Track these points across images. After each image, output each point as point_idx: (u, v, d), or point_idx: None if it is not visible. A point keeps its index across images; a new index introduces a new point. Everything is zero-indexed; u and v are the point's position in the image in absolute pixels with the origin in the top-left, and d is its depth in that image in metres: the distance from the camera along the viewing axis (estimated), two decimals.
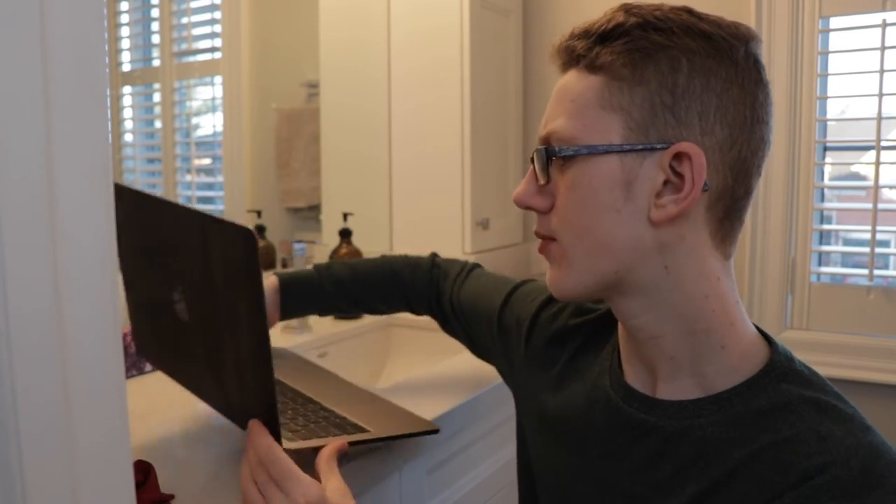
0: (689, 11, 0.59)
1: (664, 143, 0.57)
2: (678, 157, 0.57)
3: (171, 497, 0.76)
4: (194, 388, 0.87)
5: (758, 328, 0.64)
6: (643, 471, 0.63)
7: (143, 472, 0.76)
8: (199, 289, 0.72)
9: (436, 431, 0.88)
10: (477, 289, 1.00)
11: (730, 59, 0.58)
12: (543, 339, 0.81)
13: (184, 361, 0.85)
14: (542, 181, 0.62)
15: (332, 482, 0.68)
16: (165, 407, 1.08)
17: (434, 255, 1.14)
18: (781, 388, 0.58)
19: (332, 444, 0.73)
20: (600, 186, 0.59)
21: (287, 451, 0.68)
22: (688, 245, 0.59)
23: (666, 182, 0.58)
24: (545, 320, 0.83)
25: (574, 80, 0.61)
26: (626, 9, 0.60)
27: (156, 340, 0.89)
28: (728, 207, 0.59)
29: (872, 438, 0.55)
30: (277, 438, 0.68)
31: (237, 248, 0.63)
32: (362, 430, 0.82)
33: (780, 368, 0.60)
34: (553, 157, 0.60)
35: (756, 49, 0.60)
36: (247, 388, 0.71)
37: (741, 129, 0.58)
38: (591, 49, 0.59)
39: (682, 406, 0.61)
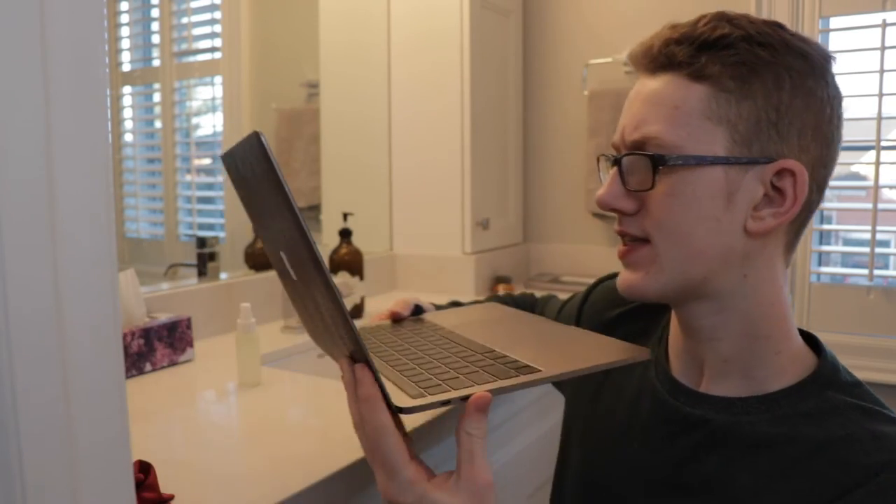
0: (781, 27, 0.61)
1: (767, 157, 0.59)
2: (780, 172, 0.59)
3: (171, 497, 0.76)
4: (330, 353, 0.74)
5: (809, 333, 0.68)
6: (689, 462, 0.64)
7: (144, 472, 0.75)
8: (285, 240, 0.64)
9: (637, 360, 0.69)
10: (554, 310, 1.02)
11: (823, 79, 0.60)
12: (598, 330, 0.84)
13: (312, 324, 0.73)
14: (644, 186, 0.61)
15: (466, 471, 0.56)
16: (165, 407, 1.08)
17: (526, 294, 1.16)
18: (827, 395, 0.61)
19: (468, 411, 0.58)
20: (704, 195, 0.59)
21: (409, 409, 0.58)
22: (767, 255, 0.62)
23: (764, 195, 0.60)
24: (596, 314, 0.87)
25: (674, 87, 0.60)
26: (727, 19, 0.60)
27: (300, 308, 0.75)
28: (804, 220, 0.64)
29: None
30: (383, 393, 0.59)
31: (256, 153, 0.58)
32: (531, 370, 0.65)
33: (827, 376, 0.63)
34: (661, 165, 0.59)
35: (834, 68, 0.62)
36: (346, 344, 0.63)
37: (829, 147, 0.61)
38: (696, 57, 0.59)
39: (730, 402, 0.64)
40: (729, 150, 0.59)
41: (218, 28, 1.78)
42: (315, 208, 1.98)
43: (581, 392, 0.84)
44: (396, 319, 0.90)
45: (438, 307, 1.00)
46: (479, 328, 0.83)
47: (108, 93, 0.48)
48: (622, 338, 0.76)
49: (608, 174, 0.65)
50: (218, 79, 1.80)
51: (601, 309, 0.87)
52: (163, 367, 1.28)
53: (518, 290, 2.17)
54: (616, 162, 0.63)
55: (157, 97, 1.80)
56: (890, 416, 0.59)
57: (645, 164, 0.60)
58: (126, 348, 1.20)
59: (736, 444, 0.62)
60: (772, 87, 0.58)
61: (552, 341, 0.78)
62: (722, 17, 0.60)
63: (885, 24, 1.66)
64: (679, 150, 0.59)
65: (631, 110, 0.63)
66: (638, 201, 0.62)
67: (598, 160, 0.70)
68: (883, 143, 1.68)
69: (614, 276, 0.85)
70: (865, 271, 1.72)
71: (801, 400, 0.61)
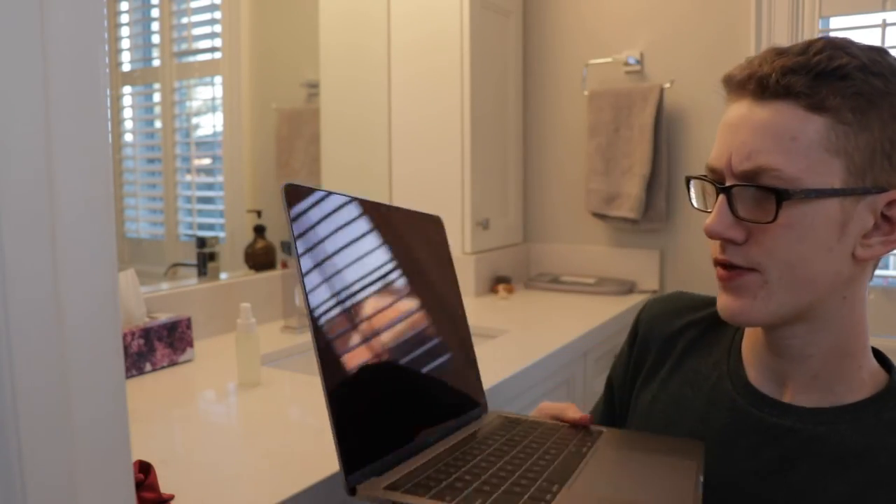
0: (886, 52, 0.61)
1: (879, 188, 0.60)
2: (892, 203, 0.61)
3: (171, 497, 0.76)
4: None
5: (877, 349, 0.71)
6: (775, 474, 0.65)
7: (144, 472, 0.75)
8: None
9: None
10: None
11: None
12: (656, 346, 0.83)
13: None
14: (765, 219, 0.60)
15: None
16: (165, 407, 1.08)
17: None
18: None
19: None
20: (820, 226, 0.60)
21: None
22: (863, 278, 0.65)
23: (874, 224, 0.61)
24: (654, 326, 0.85)
25: (790, 117, 0.59)
26: (840, 47, 0.59)
27: None
28: None
29: None
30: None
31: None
32: None
33: None
34: (786, 199, 0.59)
35: None
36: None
37: None
38: (815, 88, 0.58)
39: (817, 412, 0.65)
40: (845, 182, 0.59)
41: (218, 28, 1.78)
42: None
43: (640, 407, 0.81)
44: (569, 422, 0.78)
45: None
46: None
47: (108, 93, 0.48)
48: (685, 347, 0.77)
49: (714, 202, 0.63)
50: (218, 79, 1.80)
51: (661, 325, 0.83)
52: (163, 367, 1.28)
53: (518, 290, 2.17)
54: (725, 190, 0.62)
55: (157, 97, 1.81)
56: None
57: (764, 196, 0.60)
58: (126, 348, 1.20)
59: (826, 454, 0.63)
60: (888, 118, 0.59)
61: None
62: (835, 46, 0.60)
63: (885, 24, 1.66)
64: (798, 182, 0.59)
65: (738, 137, 0.61)
66: (746, 231, 0.62)
67: (687, 181, 0.68)
68: None
69: (657, 298, 0.86)
70: None
71: (884, 407, 0.63)
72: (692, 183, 0.68)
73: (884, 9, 1.68)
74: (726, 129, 0.63)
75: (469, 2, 1.95)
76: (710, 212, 0.64)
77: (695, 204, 0.68)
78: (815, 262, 0.61)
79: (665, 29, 2.04)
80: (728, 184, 0.62)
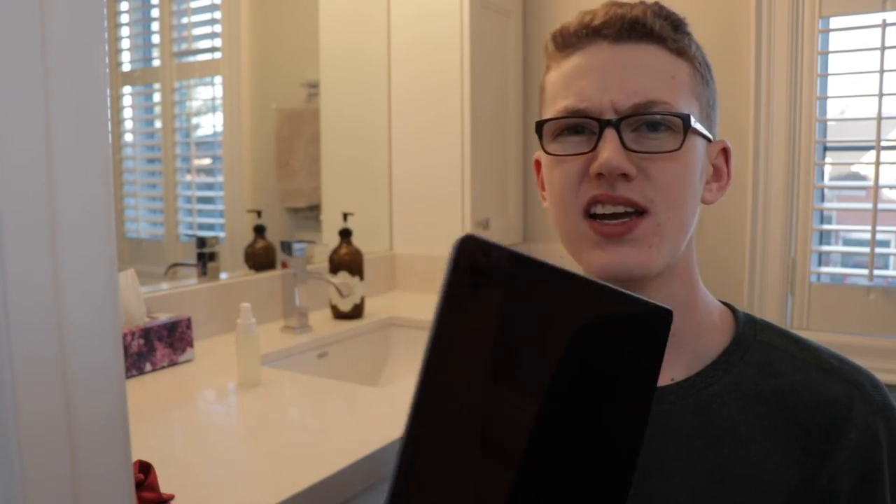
0: None
1: (714, 137, 0.64)
2: (724, 150, 0.65)
3: (171, 497, 0.76)
4: None
5: None
6: (696, 463, 0.60)
7: (143, 472, 0.76)
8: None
9: None
10: None
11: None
12: None
13: None
14: (671, 148, 0.58)
15: None
16: (165, 407, 1.08)
17: None
18: (762, 339, 0.64)
19: None
20: (697, 163, 0.61)
21: None
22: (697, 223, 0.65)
23: (711, 171, 0.65)
24: None
25: (663, 58, 0.61)
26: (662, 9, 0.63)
27: None
28: None
29: (838, 355, 0.64)
30: None
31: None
32: None
33: (751, 322, 0.66)
34: (689, 127, 0.58)
35: None
36: None
37: None
38: (677, 35, 0.61)
39: (690, 384, 0.63)
40: (701, 126, 0.62)
41: (218, 28, 1.78)
42: (315, 208, 1.98)
43: None
44: None
45: None
46: None
47: (108, 93, 0.48)
48: None
49: (590, 141, 0.59)
50: (218, 79, 1.80)
51: None
52: (163, 367, 1.28)
53: None
54: (615, 125, 0.58)
55: (157, 97, 1.81)
56: (811, 342, 0.65)
57: (664, 127, 0.59)
58: (126, 348, 1.20)
59: (713, 421, 0.60)
60: (711, 76, 0.64)
61: None
62: (659, 6, 0.63)
63: (884, 24, 1.66)
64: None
65: (614, 76, 0.59)
66: (636, 167, 0.59)
67: (539, 126, 0.62)
68: (883, 143, 1.68)
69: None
70: (865, 271, 1.72)
71: (747, 352, 0.63)
72: (545, 129, 0.62)
73: (884, 9, 1.68)
74: (587, 72, 0.60)
75: (469, 2, 1.95)
76: (571, 155, 0.60)
77: (552, 150, 0.62)
78: (690, 202, 0.61)
79: None
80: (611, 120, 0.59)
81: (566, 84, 0.61)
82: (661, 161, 0.59)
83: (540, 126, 0.62)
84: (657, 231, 0.60)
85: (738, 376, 0.62)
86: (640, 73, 0.60)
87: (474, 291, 0.34)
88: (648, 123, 0.59)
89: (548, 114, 0.63)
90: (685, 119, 0.58)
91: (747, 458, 0.59)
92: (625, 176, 0.58)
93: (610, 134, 0.59)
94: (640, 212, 0.59)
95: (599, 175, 0.58)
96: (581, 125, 0.60)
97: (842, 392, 0.59)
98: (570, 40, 0.63)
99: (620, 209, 0.59)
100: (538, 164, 0.68)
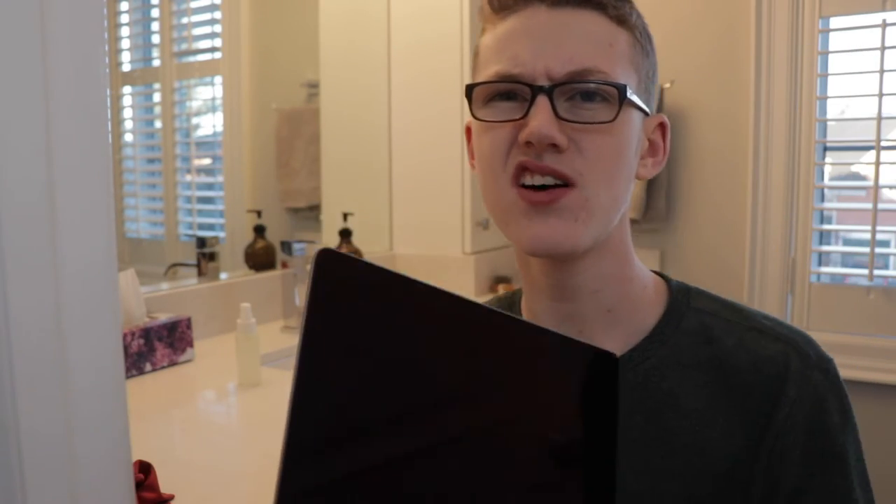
0: None
1: (651, 111, 0.61)
2: (661, 125, 0.63)
3: (171, 497, 0.76)
4: None
5: None
6: (635, 441, 0.60)
7: (144, 472, 0.76)
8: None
9: None
10: None
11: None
12: None
13: None
14: (605, 118, 0.55)
15: None
16: (165, 407, 1.08)
17: None
18: (695, 307, 0.64)
19: None
20: (633, 137, 0.59)
21: None
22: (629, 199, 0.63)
23: (647, 146, 0.63)
24: None
25: (602, 25, 0.58)
26: None
27: None
28: None
29: (769, 315, 0.64)
30: None
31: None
32: None
33: (684, 291, 0.65)
34: (625, 98, 0.56)
35: None
36: None
37: None
38: (618, 1, 0.59)
39: (627, 359, 0.61)
40: (639, 98, 0.60)
41: (218, 28, 1.78)
42: (315, 208, 1.98)
43: None
44: None
45: None
46: None
47: (109, 93, 0.48)
48: None
49: (522, 108, 0.56)
50: (218, 79, 1.80)
51: None
52: (163, 367, 1.28)
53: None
54: (548, 91, 0.55)
55: (157, 97, 1.81)
56: (741, 305, 0.65)
57: (599, 96, 0.56)
58: (126, 348, 1.20)
59: (653, 395, 0.60)
60: (651, 47, 0.62)
61: None
62: None
63: (884, 24, 1.66)
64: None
65: (550, 42, 0.57)
66: (567, 138, 0.56)
67: (469, 90, 0.59)
68: (883, 143, 1.68)
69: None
70: (865, 271, 1.72)
71: (682, 321, 0.63)
72: (475, 93, 0.59)
73: (884, 9, 1.68)
74: (522, 36, 0.57)
75: (469, 2, 1.95)
76: (501, 121, 0.57)
77: (481, 116, 0.59)
78: (623, 177, 0.58)
79: (665, 29, 2.04)
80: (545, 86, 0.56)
81: (500, 48, 0.58)
82: (594, 133, 0.56)
83: (470, 90, 0.59)
84: (584, 205, 0.57)
85: (674, 347, 0.61)
86: (578, 40, 0.57)
87: (334, 303, 0.34)
88: (583, 93, 0.56)
89: (480, 78, 0.59)
90: (621, 89, 0.56)
91: (689, 429, 0.59)
92: (555, 147, 0.55)
93: (542, 101, 0.55)
94: (568, 185, 0.56)
95: (528, 143, 0.55)
96: (513, 91, 0.57)
97: (777, 350, 0.59)
98: (506, 2, 0.59)
99: (549, 181, 0.56)
100: (469, 131, 0.64)
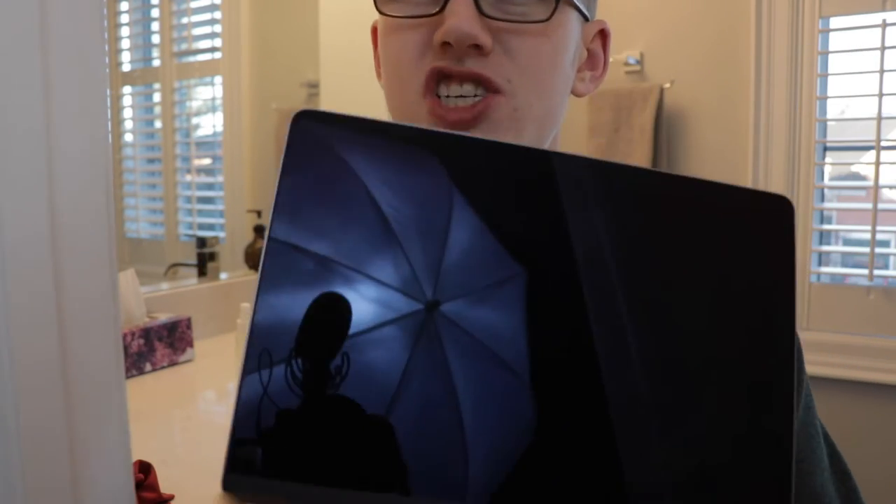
0: None
1: (591, 16, 0.52)
2: (602, 32, 0.54)
3: (171, 497, 0.76)
4: None
5: None
6: None
7: (144, 472, 0.76)
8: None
9: None
10: None
11: None
12: None
13: None
14: (539, 17, 0.47)
15: None
16: (165, 407, 1.08)
17: None
18: None
19: None
20: (570, 43, 0.49)
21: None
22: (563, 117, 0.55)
23: (586, 56, 0.54)
24: None
25: None
26: None
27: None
28: None
29: None
30: None
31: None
32: None
33: None
34: None
35: None
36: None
37: None
38: None
39: None
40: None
41: (218, 28, 1.78)
42: None
43: None
44: None
45: None
46: None
47: (109, 93, 0.48)
48: None
49: (437, 4, 0.46)
50: (218, 79, 1.80)
51: None
52: (163, 367, 1.28)
53: None
54: None
55: (157, 97, 1.81)
56: None
57: None
58: (126, 348, 1.20)
59: None
60: None
61: None
62: None
63: (884, 24, 1.66)
64: None
65: None
66: (492, 39, 0.46)
67: None
68: (883, 143, 1.68)
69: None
70: (865, 271, 1.72)
71: None
72: None
73: (883, 9, 1.68)
74: None
75: None
76: (412, 17, 0.47)
77: (387, 11, 0.49)
78: (558, 89, 0.50)
79: (665, 29, 2.04)
80: None
81: None
82: (525, 35, 0.47)
83: None
84: (513, 116, 0.48)
85: None
86: None
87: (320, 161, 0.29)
88: None
89: None
90: None
91: None
92: (478, 48, 0.46)
93: None
94: (494, 92, 0.47)
95: (445, 44, 0.45)
96: None
97: None
98: None
99: (469, 90, 0.46)
100: (375, 33, 0.55)
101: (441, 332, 0.28)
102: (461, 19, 0.44)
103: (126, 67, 1.79)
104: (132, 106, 1.82)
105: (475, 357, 0.28)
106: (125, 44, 1.77)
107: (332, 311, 0.28)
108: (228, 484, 0.26)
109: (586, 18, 0.51)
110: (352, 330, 0.27)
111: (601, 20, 0.53)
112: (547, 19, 0.46)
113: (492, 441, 0.27)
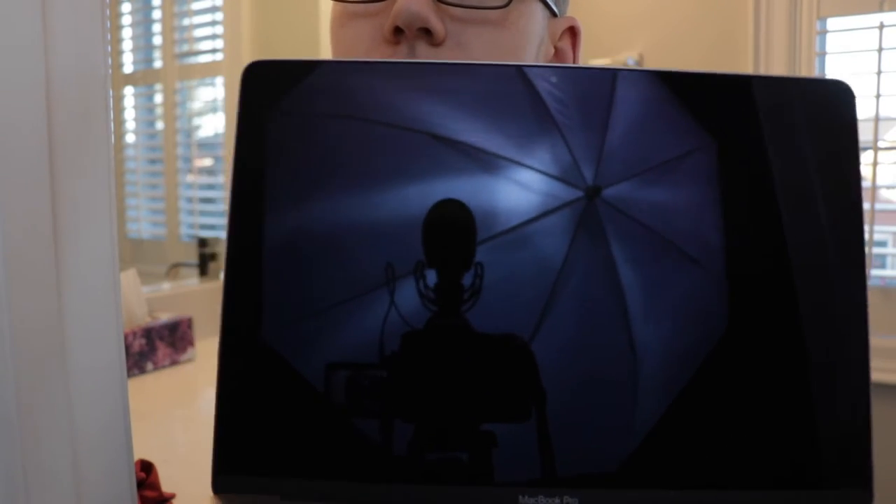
0: None
1: (560, 12, 0.50)
2: (571, 30, 0.52)
3: (173, 496, 0.76)
4: None
5: None
6: None
7: (145, 471, 0.76)
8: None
9: None
10: None
11: None
12: None
13: None
14: (498, 3, 0.44)
15: None
16: (167, 406, 1.08)
17: None
18: None
19: None
20: (530, 36, 0.47)
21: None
22: None
23: (554, 53, 0.52)
24: None
25: None
26: None
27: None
28: None
29: None
30: None
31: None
32: None
33: None
34: None
35: None
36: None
37: None
38: None
39: None
40: None
41: (219, 29, 1.79)
42: None
43: None
44: None
45: None
46: None
47: (110, 94, 0.48)
48: None
49: None
50: (219, 80, 1.81)
51: None
52: (164, 367, 1.28)
53: None
54: None
55: (158, 98, 1.81)
56: None
57: None
58: (128, 348, 1.21)
59: None
60: None
61: None
62: None
63: (882, 26, 1.66)
64: None
65: None
66: (444, 28, 0.44)
67: None
68: (880, 144, 1.68)
69: None
70: None
71: None
72: None
73: (881, 10, 1.69)
74: None
75: None
76: (363, 2, 0.45)
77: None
78: None
79: (664, 30, 2.04)
80: None
81: None
82: (481, 25, 0.44)
83: None
84: None
85: None
86: None
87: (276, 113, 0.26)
88: None
89: None
90: None
91: None
92: (429, 34, 0.43)
93: None
94: None
95: (397, 31, 0.43)
96: None
97: None
98: None
99: None
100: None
101: (604, 221, 0.24)
102: (411, 1, 0.42)
103: (128, 68, 1.80)
104: (134, 107, 1.83)
105: (645, 248, 0.24)
106: (127, 45, 1.78)
107: (453, 218, 0.25)
108: (220, 486, 0.26)
109: (554, 14, 0.49)
110: (488, 234, 0.24)
111: (571, 17, 0.52)
112: (505, 6, 0.44)
113: (669, 344, 0.24)
